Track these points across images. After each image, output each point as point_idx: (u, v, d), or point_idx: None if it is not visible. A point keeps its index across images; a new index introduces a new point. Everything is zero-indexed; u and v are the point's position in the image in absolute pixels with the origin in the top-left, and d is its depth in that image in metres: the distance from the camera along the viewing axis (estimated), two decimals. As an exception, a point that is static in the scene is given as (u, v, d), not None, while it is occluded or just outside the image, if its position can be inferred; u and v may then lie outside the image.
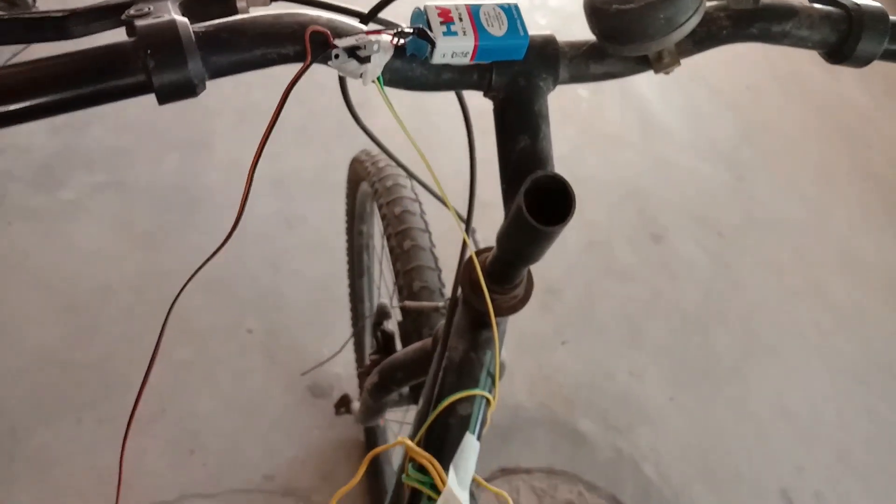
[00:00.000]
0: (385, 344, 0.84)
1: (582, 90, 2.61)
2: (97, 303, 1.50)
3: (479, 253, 0.55)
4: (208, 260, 0.45)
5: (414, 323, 0.78)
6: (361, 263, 1.38)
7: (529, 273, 0.57)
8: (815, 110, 3.07)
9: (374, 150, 1.03)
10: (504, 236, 0.48)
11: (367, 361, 0.85)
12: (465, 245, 0.56)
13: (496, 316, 0.54)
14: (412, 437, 0.53)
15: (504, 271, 0.52)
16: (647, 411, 1.80)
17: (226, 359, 1.51)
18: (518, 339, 1.81)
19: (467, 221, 0.58)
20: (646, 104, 2.73)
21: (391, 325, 0.84)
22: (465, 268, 0.55)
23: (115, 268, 1.56)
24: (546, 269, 2.00)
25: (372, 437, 1.43)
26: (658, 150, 2.54)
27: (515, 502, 1.56)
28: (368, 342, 1.31)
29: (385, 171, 0.95)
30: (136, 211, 1.68)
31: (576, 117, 2.51)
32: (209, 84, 0.37)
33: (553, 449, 1.66)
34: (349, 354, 1.51)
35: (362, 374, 0.96)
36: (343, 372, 1.57)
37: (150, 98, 0.35)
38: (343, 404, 1.25)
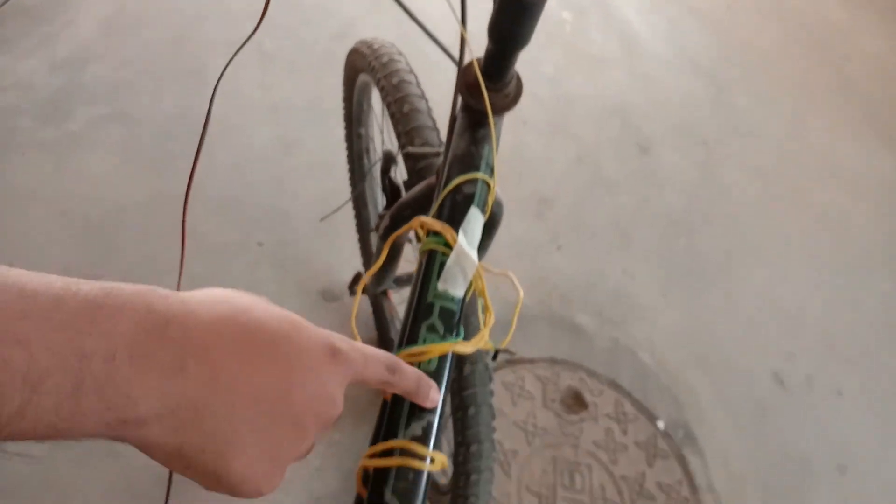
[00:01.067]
0: (392, 194, 0.92)
1: (566, 13, 2.67)
2: (113, 224, 1.58)
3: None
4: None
5: (417, 170, 0.86)
6: (363, 168, 1.45)
7: (518, 77, 0.64)
8: (793, 26, 3.12)
9: (368, 38, 1.10)
10: (494, 25, 0.56)
11: (378, 220, 0.93)
12: (461, 53, 0.63)
13: (493, 114, 0.61)
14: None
15: (498, 65, 0.60)
16: (640, 306, 1.90)
17: (239, 270, 1.59)
18: (515, 245, 1.90)
19: (462, 18, 0.63)
20: (628, 25, 2.78)
21: (398, 178, 0.92)
22: (463, 72, 0.63)
23: (127, 192, 1.63)
24: (538, 181, 2.08)
25: (384, 335, 1.52)
26: (641, 68, 2.61)
27: (521, 389, 1.66)
28: (375, 243, 1.39)
29: (381, 50, 1.02)
30: (141, 140, 1.75)
31: (560, 40, 2.57)
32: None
33: (553, 341, 1.75)
34: (356, 260, 1.59)
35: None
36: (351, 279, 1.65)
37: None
38: (356, 281, 1.33)
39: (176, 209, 1.66)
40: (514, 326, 0.63)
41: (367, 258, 1.57)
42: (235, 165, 1.76)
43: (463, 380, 0.86)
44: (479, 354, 0.87)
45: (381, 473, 0.47)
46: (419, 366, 0.52)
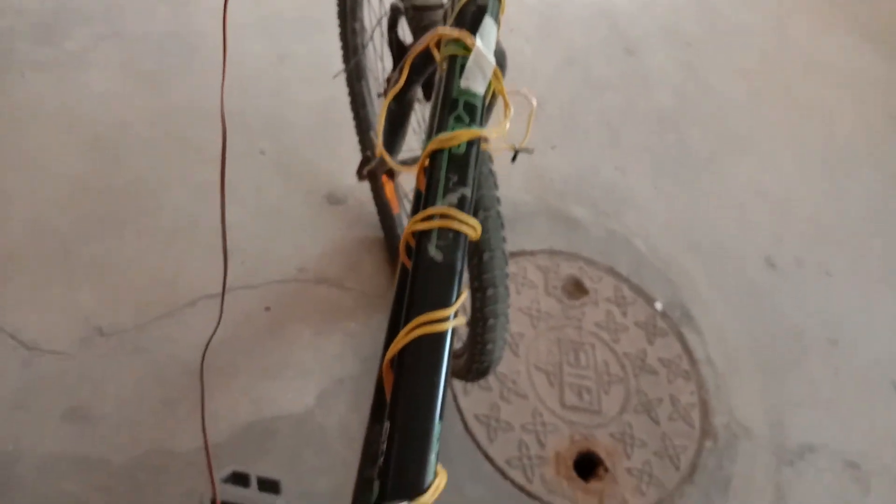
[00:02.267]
0: (399, 51, 0.96)
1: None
2: (116, 137, 1.61)
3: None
4: None
5: (422, 26, 0.89)
6: (359, 65, 1.48)
7: None
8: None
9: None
10: None
11: (386, 84, 0.97)
12: None
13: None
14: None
15: None
16: (633, 198, 1.95)
17: (245, 177, 1.63)
18: (510, 147, 1.94)
19: None
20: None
21: (404, 35, 0.95)
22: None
23: (128, 106, 1.66)
24: (528, 84, 2.11)
25: (390, 233, 1.57)
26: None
27: (524, 278, 1.73)
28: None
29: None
30: (137, 57, 1.77)
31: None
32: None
33: (551, 234, 1.81)
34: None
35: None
36: (356, 183, 1.69)
37: None
38: (364, 164, 1.37)
39: (177, 120, 1.69)
40: (528, 131, 0.68)
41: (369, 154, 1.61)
42: (232, 79, 1.78)
43: (482, 264, 0.92)
44: (497, 241, 0.92)
45: (424, 235, 0.53)
46: (449, 151, 0.57)
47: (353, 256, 1.58)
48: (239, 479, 1.05)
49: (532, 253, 1.77)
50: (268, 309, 1.46)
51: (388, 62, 1.06)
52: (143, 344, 1.36)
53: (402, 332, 0.48)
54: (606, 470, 1.50)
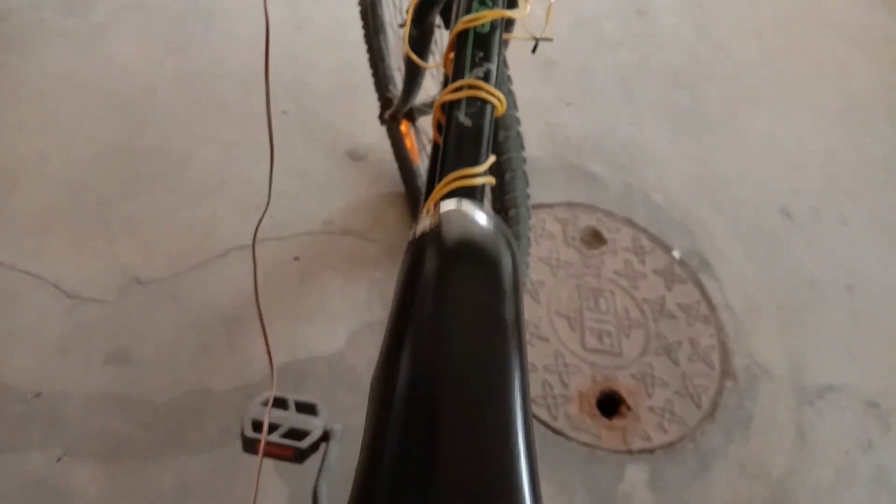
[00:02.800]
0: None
1: None
2: (144, 101, 1.67)
3: None
4: None
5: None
6: (376, 20, 1.52)
7: None
8: None
9: None
10: None
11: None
12: None
13: None
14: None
15: None
16: (649, 153, 1.98)
17: (267, 137, 1.68)
18: (525, 106, 1.96)
19: None
20: None
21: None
22: None
23: (153, 71, 1.72)
24: (542, 45, 2.14)
25: (411, 186, 1.61)
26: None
27: (542, 230, 1.76)
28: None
29: None
30: (160, 26, 1.83)
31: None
32: None
33: (569, 188, 1.85)
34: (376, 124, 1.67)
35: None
36: (376, 142, 1.74)
37: None
38: (386, 107, 1.41)
39: (200, 84, 1.75)
40: (548, 21, 0.71)
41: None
42: (252, 45, 1.84)
43: (497, 146, 0.96)
44: (512, 120, 0.96)
45: (454, 105, 0.57)
46: (474, 31, 0.61)
47: (377, 210, 1.63)
48: (278, 402, 1.10)
49: (550, 206, 1.81)
50: (297, 259, 1.51)
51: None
52: (179, 292, 1.41)
53: (437, 187, 0.53)
54: (629, 408, 1.54)
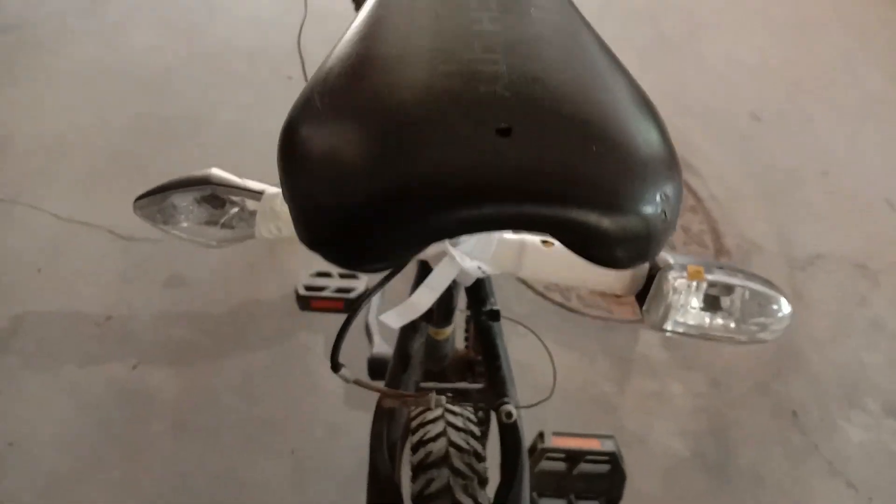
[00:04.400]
0: None
1: None
2: (165, 78, 1.87)
3: None
4: None
5: None
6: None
7: None
8: None
9: None
10: None
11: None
12: None
13: None
14: None
15: None
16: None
17: (278, 97, 1.87)
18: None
19: None
20: None
21: None
22: None
23: (169, 54, 1.93)
24: None
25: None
26: None
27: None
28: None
29: None
30: (169, 17, 2.05)
31: None
32: None
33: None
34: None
35: None
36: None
37: None
38: None
39: (212, 61, 1.95)
40: None
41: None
42: (252, 24, 2.05)
43: None
44: None
45: None
46: None
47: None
48: (322, 274, 1.26)
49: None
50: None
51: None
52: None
53: None
54: (635, 286, 1.69)
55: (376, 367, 1.06)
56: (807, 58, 2.40)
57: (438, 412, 0.63)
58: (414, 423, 0.64)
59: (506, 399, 0.60)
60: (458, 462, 0.58)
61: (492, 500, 0.59)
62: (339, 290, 1.22)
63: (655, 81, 2.21)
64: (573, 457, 0.86)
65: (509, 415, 0.59)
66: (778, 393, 1.55)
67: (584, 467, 0.88)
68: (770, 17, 2.51)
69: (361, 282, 1.25)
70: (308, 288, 1.21)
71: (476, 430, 0.64)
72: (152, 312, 1.42)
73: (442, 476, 0.57)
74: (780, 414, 1.52)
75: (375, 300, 1.25)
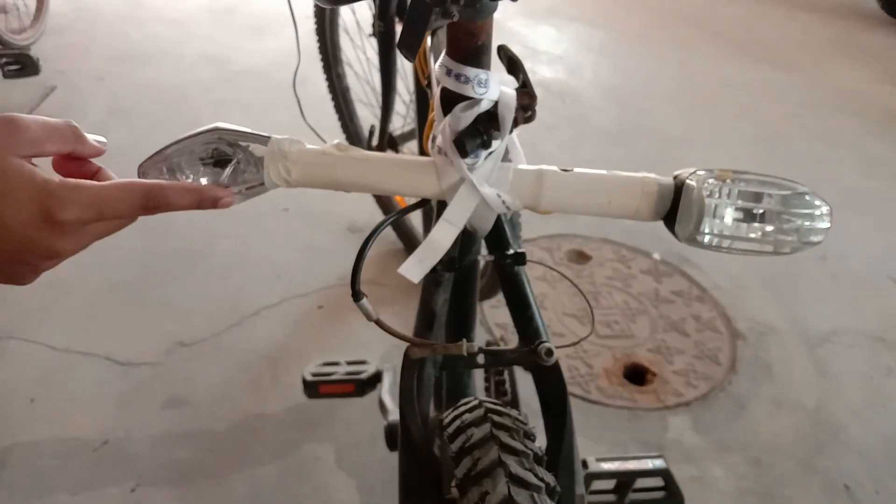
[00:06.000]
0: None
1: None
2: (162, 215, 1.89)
3: None
4: None
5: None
6: (349, 105, 1.81)
7: None
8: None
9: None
10: None
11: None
12: None
13: None
14: None
15: None
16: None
17: (277, 228, 1.90)
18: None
19: None
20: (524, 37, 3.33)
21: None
22: None
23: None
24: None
25: (403, 231, 1.81)
26: (558, 63, 3.11)
27: (531, 257, 1.94)
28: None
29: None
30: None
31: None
32: None
33: (546, 224, 2.06)
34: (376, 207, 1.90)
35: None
36: (370, 217, 1.96)
37: None
38: (369, 140, 1.63)
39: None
40: None
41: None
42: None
43: None
44: None
45: None
46: None
47: (382, 262, 1.81)
48: (330, 363, 1.21)
49: (533, 240, 2.01)
50: (321, 307, 1.66)
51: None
52: (221, 345, 1.53)
53: None
54: (654, 374, 1.63)
55: (394, 436, 0.99)
56: (779, 163, 2.50)
57: (480, 412, 0.56)
58: (448, 420, 0.58)
59: (543, 339, 0.55)
60: (507, 439, 0.52)
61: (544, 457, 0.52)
62: (348, 374, 1.16)
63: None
64: (623, 480, 0.78)
65: (549, 352, 0.54)
66: (825, 468, 1.44)
67: (636, 497, 0.79)
68: (738, 132, 2.65)
69: (371, 365, 1.20)
70: (315, 375, 1.16)
71: (520, 416, 0.57)
72: (151, 434, 1.34)
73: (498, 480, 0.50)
74: (832, 489, 1.40)
75: (387, 379, 1.18)
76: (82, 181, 0.42)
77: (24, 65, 2.10)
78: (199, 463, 1.29)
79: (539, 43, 3.32)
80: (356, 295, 0.52)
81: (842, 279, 2.00)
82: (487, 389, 1.03)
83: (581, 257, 1.97)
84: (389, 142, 1.56)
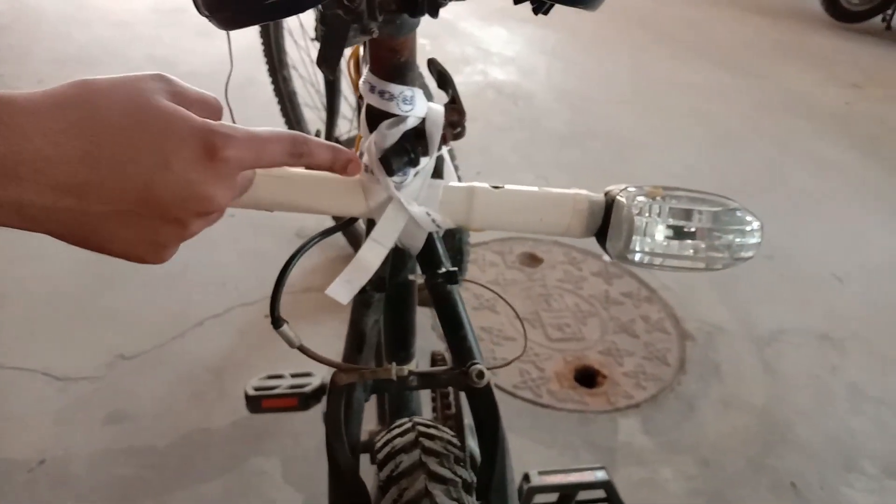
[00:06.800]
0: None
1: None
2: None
3: None
4: None
5: None
6: (296, 109, 1.78)
7: None
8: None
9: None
10: None
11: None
12: None
13: None
14: None
15: None
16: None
17: (226, 233, 1.86)
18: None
19: None
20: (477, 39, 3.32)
21: None
22: None
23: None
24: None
25: (352, 235, 1.79)
26: (501, 61, 3.11)
27: (484, 261, 1.94)
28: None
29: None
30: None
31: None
32: None
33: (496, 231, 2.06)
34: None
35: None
36: (315, 224, 1.93)
37: None
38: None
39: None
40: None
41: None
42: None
43: None
44: None
45: None
46: None
47: (331, 268, 1.78)
48: (274, 376, 1.18)
49: (486, 243, 2.00)
50: (267, 316, 1.62)
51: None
52: (164, 358, 1.49)
53: None
54: (605, 377, 1.64)
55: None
56: (732, 165, 2.54)
57: (411, 436, 0.55)
58: (380, 445, 0.57)
59: (475, 361, 0.54)
60: (436, 467, 0.51)
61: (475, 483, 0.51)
62: (292, 388, 1.14)
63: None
64: (566, 494, 0.77)
65: (480, 374, 0.53)
66: (773, 467, 1.46)
67: (580, 509, 0.79)
68: (691, 135, 2.68)
69: (316, 377, 1.17)
70: (258, 389, 1.13)
71: (454, 439, 0.56)
72: (92, 452, 1.29)
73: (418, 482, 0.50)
74: (779, 488, 1.42)
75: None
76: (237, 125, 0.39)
77: (-43, 67, 2.02)
78: (142, 480, 1.26)
79: (491, 44, 3.33)
80: (276, 322, 0.51)
81: (788, 278, 2.04)
82: (434, 400, 1.01)
83: (533, 260, 1.97)
84: (336, 147, 1.53)
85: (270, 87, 1.72)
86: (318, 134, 1.55)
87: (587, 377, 1.64)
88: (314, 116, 1.68)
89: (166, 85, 0.37)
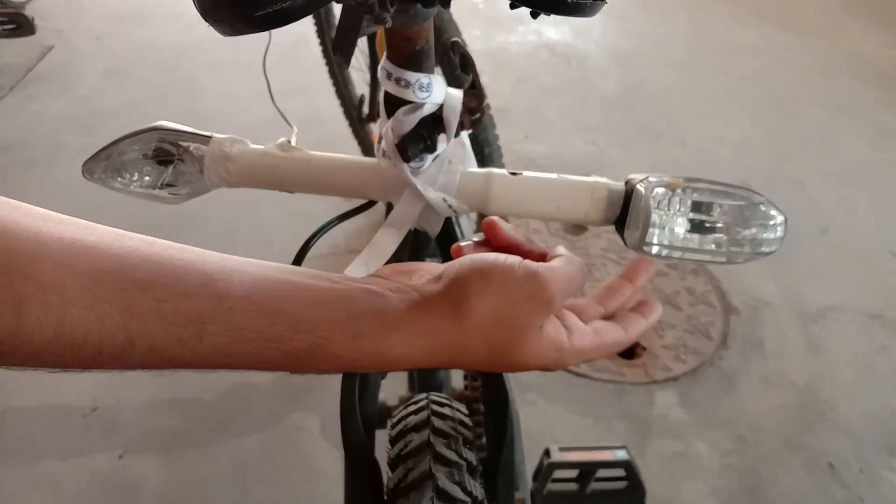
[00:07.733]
0: None
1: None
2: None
3: None
4: None
5: None
6: (343, 72, 1.78)
7: None
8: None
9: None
10: None
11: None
12: None
13: None
14: None
15: None
16: (607, 160, 2.21)
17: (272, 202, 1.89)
18: (489, 144, 2.22)
19: None
20: None
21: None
22: None
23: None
24: (495, 94, 2.44)
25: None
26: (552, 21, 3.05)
27: (528, 228, 1.93)
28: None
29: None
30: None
31: (479, 17, 3.01)
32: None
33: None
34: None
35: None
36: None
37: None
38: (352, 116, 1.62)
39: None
40: None
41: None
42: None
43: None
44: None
45: None
46: None
47: (374, 230, 1.80)
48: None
49: (530, 209, 1.99)
50: (310, 277, 1.66)
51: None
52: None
53: None
54: (644, 349, 1.63)
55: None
56: (786, 132, 2.45)
57: (424, 415, 0.56)
58: (395, 422, 0.58)
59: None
60: (442, 449, 0.52)
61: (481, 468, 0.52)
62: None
63: (642, 159, 2.26)
64: (585, 471, 0.78)
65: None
66: (811, 447, 1.44)
67: (598, 486, 0.80)
68: (745, 100, 2.59)
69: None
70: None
71: (466, 419, 0.57)
72: (140, 402, 1.36)
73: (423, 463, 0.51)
74: (816, 468, 1.40)
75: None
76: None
77: (20, 24, 2.08)
78: (186, 431, 1.32)
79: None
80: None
81: (842, 253, 1.97)
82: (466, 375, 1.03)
83: (577, 228, 1.94)
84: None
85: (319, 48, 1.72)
86: (362, 99, 1.56)
87: (626, 348, 1.63)
88: (360, 79, 1.68)
89: (543, 302, 0.36)
